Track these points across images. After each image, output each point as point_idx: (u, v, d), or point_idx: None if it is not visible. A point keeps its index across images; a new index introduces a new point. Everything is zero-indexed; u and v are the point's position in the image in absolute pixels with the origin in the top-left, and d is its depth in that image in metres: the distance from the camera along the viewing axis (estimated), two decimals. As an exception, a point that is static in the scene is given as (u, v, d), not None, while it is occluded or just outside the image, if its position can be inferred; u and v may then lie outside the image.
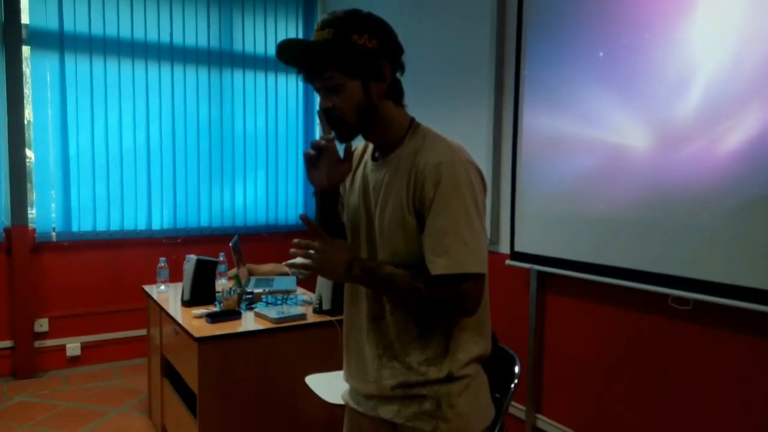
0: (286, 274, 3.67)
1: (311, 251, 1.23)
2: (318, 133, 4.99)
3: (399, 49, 1.27)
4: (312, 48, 1.23)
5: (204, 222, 4.61)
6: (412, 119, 1.32)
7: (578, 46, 2.65)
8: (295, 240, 1.25)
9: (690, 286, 2.23)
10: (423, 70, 3.54)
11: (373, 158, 1.35)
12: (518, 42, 2.97)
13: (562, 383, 2.87)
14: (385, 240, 1.28)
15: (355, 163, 1.42)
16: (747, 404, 2.13)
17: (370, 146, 1.40)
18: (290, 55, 1.25)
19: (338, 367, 2.49)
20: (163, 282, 3.22)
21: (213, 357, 2.39)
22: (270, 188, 4.88)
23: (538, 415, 2.97)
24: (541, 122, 2.85)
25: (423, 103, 3.50)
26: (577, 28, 2.66)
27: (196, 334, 2.36)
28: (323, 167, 1.27)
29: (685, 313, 2.29)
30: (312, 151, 1.26)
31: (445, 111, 3.48)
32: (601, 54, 2.55)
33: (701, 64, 2.19)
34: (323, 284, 2.68)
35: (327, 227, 1.32)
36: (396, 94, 1.29)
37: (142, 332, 3.65)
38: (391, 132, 1.29)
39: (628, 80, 2.45)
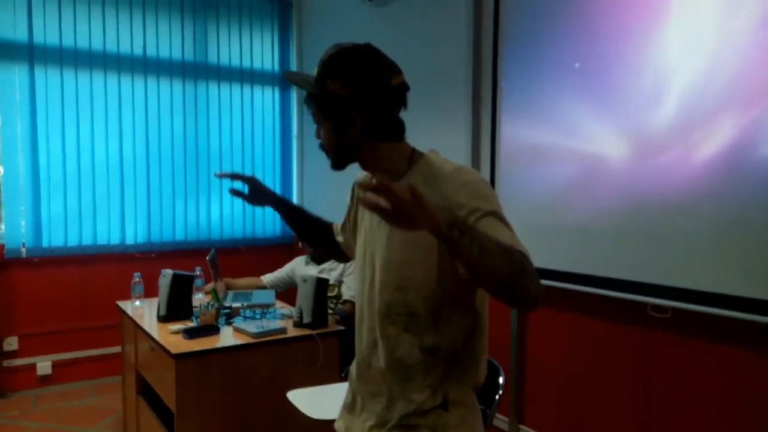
0: (264, 288, 3.62)
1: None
2: (295, 152, 4.97)
3: (383, 92, 1.24)
4: (296, 85, 1.32)
5: (179, 236, 4.53)
6: (413, 150, 1.31)
7: (554, 56, 2.68)
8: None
9: (669, 294, 2.25)
10: (400, 82, 3.53)
11: None
12: (495, 53, 2.99)
13: (545, 393, 2.87)
14: (393, 265, 1.27)
15: (358, 191, 1.46)
16: (726, 412, 2.15)
17: None
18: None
19: (320, 382, 2.46)
20: (138, 297, 3.15)
21: (191, 374, 2.33)
22: (246, 201, 4.81)
23: (521, 426, 2.96)
24: (519, 133, 2.87)
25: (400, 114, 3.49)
26: (553, 39, 2.69)
27: (174, 351, 2.31)
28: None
29: (664, 321, 2.31)
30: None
31: (423, 122, 3.47)
32: (577, 65, 2.59)
33: (675, 73, 2.23)
34: (304, 297, 2.64)
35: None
36: (387, 133, 1.27)
37: (116, 349, 3.56)
38: (389, 165, 1.28)
39: (604, 90, 2.48)
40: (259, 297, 3.23)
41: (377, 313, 1.30)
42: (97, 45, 4.14)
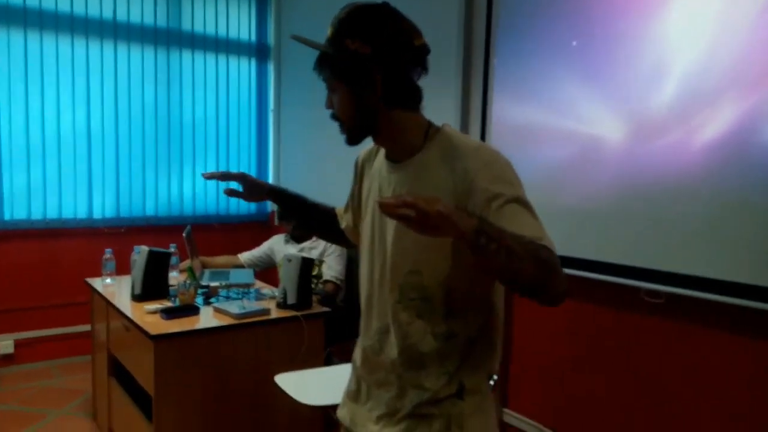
0: (242, 267, 3.51)
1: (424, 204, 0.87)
2: (272, 126, 4.80)
3: (404, 52, 1.16)
4: (309, 46, 1.17)
5: (149, 211, 4.35)
6: (430, 123, 1.23)
7: (551, 34, 2.60)
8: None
9: (663, 279, 2.22)
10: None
11: (390, 159, 1.25)
12: (488, 30, 2.90)
13: (530, 377, 2.85)
14: (406, 247, 1.18)
15: (363, 167, 1.38)
16: (718, 397, 2.15)
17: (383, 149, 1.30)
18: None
19: (304, 365, 2.38)
20: (110, 275, 3.01)
21: (170, 356, 2.23)
22: (221, 176, 4.65)
23: (505, 410, 2.94)
24: (511, 112, 2.80)
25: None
26: (550, 17, 2.61)
27: (152, 331, 2.20)
28: None
29: (658, 307, 2.29)
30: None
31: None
32: (574, 43, 2.52)
33: (676, 55, 2.18)
34: (288, 277, 2.54)
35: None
36: (406, 100, 1.19)
37: (83, 328, 3.42)
38: (405, 137, 1.20)
39: (602, 70, 2.42)
40: (238, 276, 3.12)
41: (389, 298, 1.22)
42: (63, 6, 3.90)
